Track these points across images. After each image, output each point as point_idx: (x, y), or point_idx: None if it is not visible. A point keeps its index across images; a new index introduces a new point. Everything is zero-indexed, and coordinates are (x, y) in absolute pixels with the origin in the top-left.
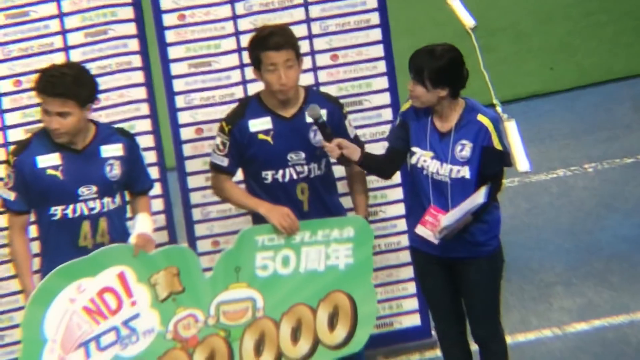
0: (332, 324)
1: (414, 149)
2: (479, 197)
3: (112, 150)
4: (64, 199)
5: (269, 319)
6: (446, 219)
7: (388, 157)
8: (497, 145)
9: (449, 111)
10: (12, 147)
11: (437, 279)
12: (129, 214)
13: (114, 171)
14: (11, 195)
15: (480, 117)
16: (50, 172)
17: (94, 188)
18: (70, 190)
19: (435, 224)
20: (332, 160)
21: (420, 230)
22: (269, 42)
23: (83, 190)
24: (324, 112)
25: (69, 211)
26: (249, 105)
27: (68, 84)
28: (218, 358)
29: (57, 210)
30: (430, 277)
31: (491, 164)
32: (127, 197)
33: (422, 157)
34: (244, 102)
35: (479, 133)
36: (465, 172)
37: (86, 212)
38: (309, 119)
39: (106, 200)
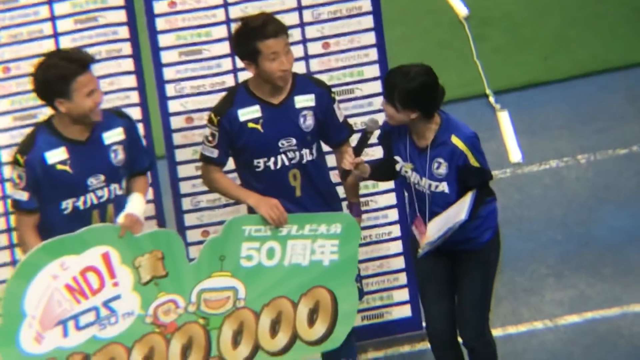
0: (312, 319)
1: (397, 158)
2: (461, 212)
3: (114, 136)
4: (74, 191)
5: (249, 309)
6: (430, 231)
7: (387, 165)
8: (474, 163)
9: (424, 129)
10: (18, 147)
11: (433, 269)
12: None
13: (119, 156)
14: (25, 195)
15: (454, 139)
16: (59, 167)
17: (102, 177)
18: (80, 183)
19: (421, 231)
20: (324, 146)
21: (413, 230)
22: (267, 30)
23: (92, 181)
24: (311, 97)
25: (80, 203)
26: (237, 94)
27: None
28: (195, 346)
29: (69, 204)
30: (425, 268)
31: (471, 180)
32: None
33: (404, 168)
34: (232, 91)
35: (453, 155)
36: (444, 187)
37: (95, 202)
38: (367, 128)
39: (113, 186)
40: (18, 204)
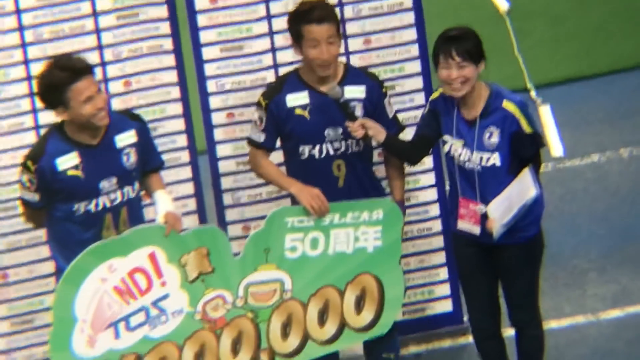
0: (359, 306)
1: (446, 137)
2: (530, 189)
3: (126, 139)
4: (87, 195)
5: (296, 300)
6: (496, 211)
7: (415, 143)
8: (527, 128)
9: (475, 98)
10: (28, 152)
11: (475, 264)
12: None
13: (131, 159)
14: (36, 197)
15: (506, 104)
16: (71, 172)
17: (114, 180)
18: (92, 186)
19: (470, 214)
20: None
21: (460, 225)
22: (312, 15)
23: (104, 184)
24: (362, 89)
25: (92, 206)
26: (287, 80)
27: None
28: (245, 339)
29: (81, 207)
30: (468, 261)
31: (525, 148)
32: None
33: (454, 146)
34: (283, 77)
35: (505, 120)
36: (496, 159)
37: (108, 205)
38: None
39: (126, 189)
40: (28, 204)
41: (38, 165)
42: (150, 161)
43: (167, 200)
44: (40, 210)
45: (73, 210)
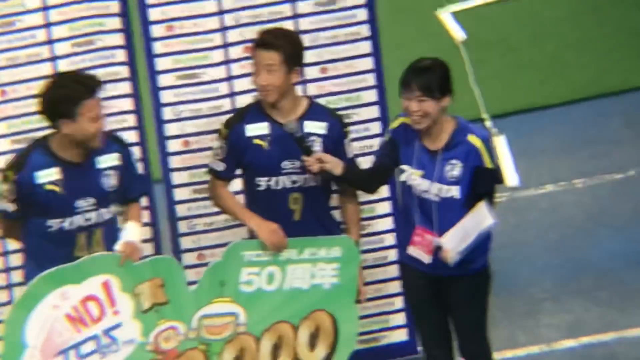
0: (312, 343)
1: (404, 167)
2: (486, 218)
3: (109, 161)
4: (61, 212)
5: (250, 335)
6: (450, 242)
7: (373, 172)
8: (488, 164)
9: (439, 130)
10: (9, 163)
11: (424, 296)
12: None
13: (111, 182)
14: (10, 207)
15: (471, 138)
16: (49, 187)
17: (92, 200)
18: (68, 204)
19: (424, 243)
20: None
21: (411, 250)
22: (257, 40)
23: (81, 203)
24: (323, 125)
25: (66, 224)
26: (249, 110)
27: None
28: None
29: (54, 223)
30: (417, 293)
31: (483, 183)
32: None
33: (412, 176)
34: (245, 107)
35: (469, 154)
36: (455, 191)
37: (83, 224)
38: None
39: (102, 210)
40: (4, 213)
41: (18, 176)
42: (130, 189)
43: (133, 231)
44: (15, 221)
45: (47, 226)
